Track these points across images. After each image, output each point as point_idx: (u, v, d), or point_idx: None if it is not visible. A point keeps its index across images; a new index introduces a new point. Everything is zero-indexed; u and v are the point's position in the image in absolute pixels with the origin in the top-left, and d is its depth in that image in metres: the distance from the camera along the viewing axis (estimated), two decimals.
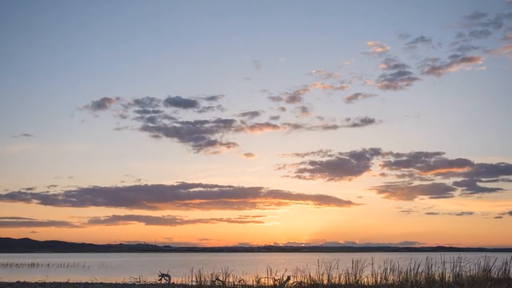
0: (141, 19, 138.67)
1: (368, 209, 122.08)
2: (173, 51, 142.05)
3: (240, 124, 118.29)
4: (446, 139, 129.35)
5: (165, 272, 19.24)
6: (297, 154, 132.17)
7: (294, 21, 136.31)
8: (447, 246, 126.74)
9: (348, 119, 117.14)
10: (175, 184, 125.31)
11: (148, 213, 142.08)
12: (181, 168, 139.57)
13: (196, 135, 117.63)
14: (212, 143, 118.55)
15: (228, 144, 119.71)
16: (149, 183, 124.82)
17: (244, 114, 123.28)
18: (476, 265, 13.75)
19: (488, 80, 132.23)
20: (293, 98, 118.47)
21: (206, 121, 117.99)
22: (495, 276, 13.43)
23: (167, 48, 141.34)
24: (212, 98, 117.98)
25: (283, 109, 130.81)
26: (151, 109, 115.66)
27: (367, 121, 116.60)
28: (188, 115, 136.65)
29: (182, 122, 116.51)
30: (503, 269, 13.41)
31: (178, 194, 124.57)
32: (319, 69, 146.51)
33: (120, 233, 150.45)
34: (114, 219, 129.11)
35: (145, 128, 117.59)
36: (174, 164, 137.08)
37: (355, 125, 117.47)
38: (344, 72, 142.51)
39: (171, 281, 18.93)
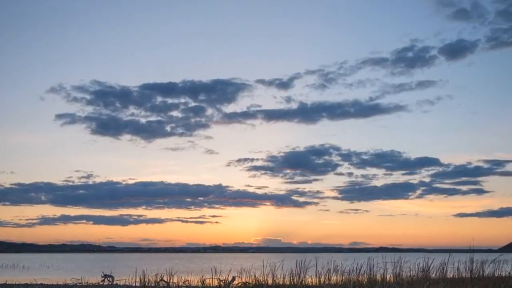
0: None
1: (329, 210, 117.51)
2: (146, 33, 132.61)
3: (211, 113, 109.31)
4: (414, 137, 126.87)
5: (108, 273, 18.97)
6: (262, 151, 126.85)
7: None
8: (390, 247, 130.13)
9: (334, 111, 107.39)
10: (130, 181, 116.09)
11: (98, 212, 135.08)
12: (136, 164, 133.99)
13: (156, 127, 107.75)
14: (173, 136, 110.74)
15: (190, 138, 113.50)
16: (101, 180, 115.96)
17: (218, 102, 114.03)
18: (416, 265, 14.18)
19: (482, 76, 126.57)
20: (282, 86, 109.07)
21: (171, 109, 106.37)
22: (433, 276, 13.87)
23: (136, 30, 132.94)
24: (186, 83, 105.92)
25: (265, 98, 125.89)
26: (107, 97, 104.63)
27: (355, 113, 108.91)
28: (153, 104, 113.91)
29: (147, 109, 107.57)
30: (441, 269, 13.87)
31: (132, 192, 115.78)
32: (319, 54, 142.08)
33: (64, 233, 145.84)
34: (62, 219, 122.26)
35: (97, 119, 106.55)
36: (128, 159, 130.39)
37: (339, 118, 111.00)
38: (352, 58, 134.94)
39: (114, 282, 18.66)
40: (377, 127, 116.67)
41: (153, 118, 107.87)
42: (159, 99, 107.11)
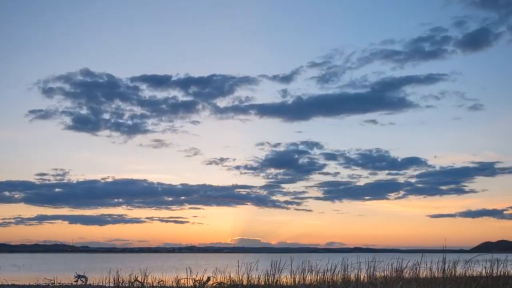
0: None
1: (312, 210, 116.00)
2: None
3: (202, 108, 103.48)
4: (408, 135, 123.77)
5: (82, 273, 18.76)
6: (247, 149, 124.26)
7: None
8: (364, 247, 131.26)
9: (330, 107, 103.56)
10: (109, 180, 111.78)
11: (75, 212, 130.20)
12: (116, 162, 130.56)
13: (138, 122, 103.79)
14: (156, 132, 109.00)
15: (175, 134, 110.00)
16: (78, 179, 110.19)
17: (210, 97, 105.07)
18: (389, 265, 14.33)
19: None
20: (282, 80, 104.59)
21: (159, 104, 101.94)
22: (406, 276, 14.03)
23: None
24: (180, 76, 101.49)
25: (263, 92, 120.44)
26: (91, 90, 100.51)
27: (351, 110, 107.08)
28: (140, 98, 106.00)
29: (133, 103, 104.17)
30: (414, 269, 14.04)
31: (111, 191, 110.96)
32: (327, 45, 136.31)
33: (38, 233, 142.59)
34: (38, 218, 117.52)
35: (76, 114, 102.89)
36: (107, 157, 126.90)
37: (334, 114, 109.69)
38: (360, 48, 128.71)
39: (88, 282, 18.46)
40: (370, 125, 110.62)
41: (138, 112, 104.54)
42: (148, 92, 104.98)
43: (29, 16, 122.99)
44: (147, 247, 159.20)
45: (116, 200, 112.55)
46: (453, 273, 13.73)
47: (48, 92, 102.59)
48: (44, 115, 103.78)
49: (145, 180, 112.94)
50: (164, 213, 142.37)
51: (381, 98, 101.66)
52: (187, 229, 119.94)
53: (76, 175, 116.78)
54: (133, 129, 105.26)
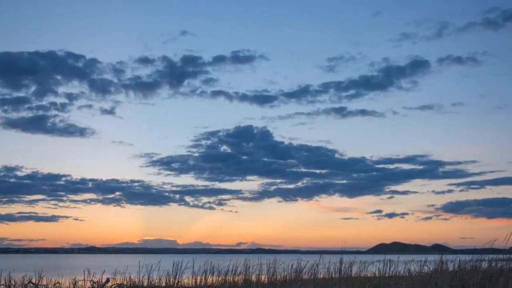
0: None
1: (238, 212, 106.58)
2: None
3: (160, 92, 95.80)
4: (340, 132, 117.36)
5: None
6: (184, 145, 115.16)
7: None
8: (266, 248, 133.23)
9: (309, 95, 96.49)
10: (18, 173, 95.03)
11: None
12: (31, 152, 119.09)
13: (64, 103, 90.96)
14: (84, 118, 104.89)
15: (100, 122, 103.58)
16: None
17: (172, 78, 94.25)
18: (289, 266, 14.68)
19: None
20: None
21: (102, 86, 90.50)
22: (305, 277, 14.44)
23: None
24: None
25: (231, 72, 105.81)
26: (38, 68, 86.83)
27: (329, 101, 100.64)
28: (93, 78, 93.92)
29: (82, 83, 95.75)
30: (313, 270, 14.47)
31: (20, 186, 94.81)
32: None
33: None
34: None
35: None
36: (22, 146, 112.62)
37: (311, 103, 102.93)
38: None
39: None
40: (337, 116, 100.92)
41: (73, 91, 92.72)
42: (102, 73, 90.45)
43: None
44: (44, 247, 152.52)
45: (25, 196, 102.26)
46: (349, 273, 14.28)
47: None
48: None
49: (64, 174, 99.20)
50: (73, 211, 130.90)
51: (381, 85, 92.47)
52: (93, 229, 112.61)
53: None
54: (56, 115, 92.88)
